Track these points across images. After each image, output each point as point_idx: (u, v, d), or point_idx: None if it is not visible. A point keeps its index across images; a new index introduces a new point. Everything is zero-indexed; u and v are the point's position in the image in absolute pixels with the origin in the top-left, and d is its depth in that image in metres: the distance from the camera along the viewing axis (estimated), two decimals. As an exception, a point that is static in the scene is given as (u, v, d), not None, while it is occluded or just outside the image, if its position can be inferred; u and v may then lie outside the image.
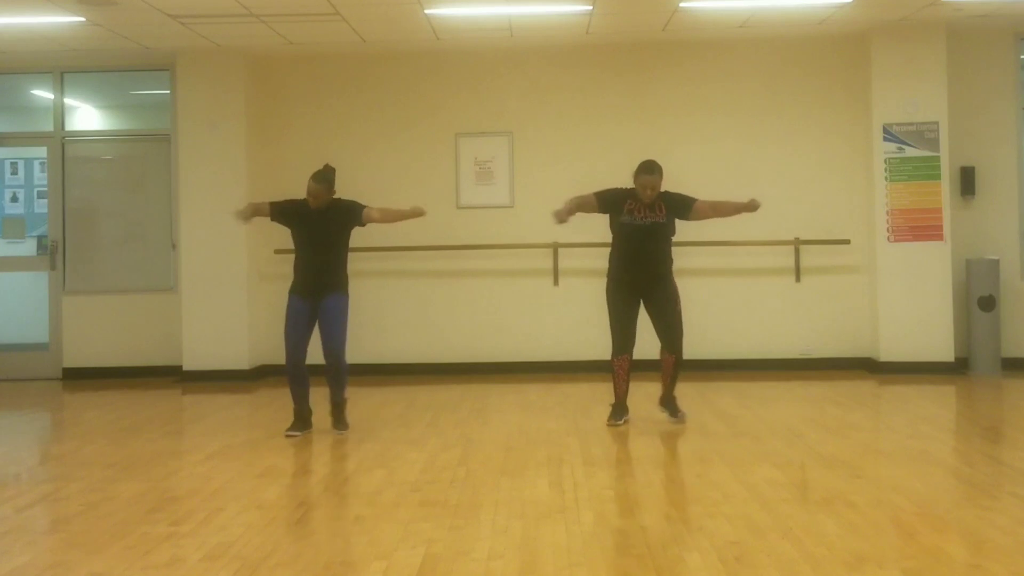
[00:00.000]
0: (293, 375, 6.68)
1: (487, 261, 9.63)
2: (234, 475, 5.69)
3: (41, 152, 10.40)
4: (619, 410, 6.87)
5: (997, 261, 9.15)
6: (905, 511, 4.63)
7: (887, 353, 9.05)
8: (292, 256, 9.55)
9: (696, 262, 9.16)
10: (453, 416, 7.40)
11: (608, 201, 6.77)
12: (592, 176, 9.13)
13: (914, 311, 8.98)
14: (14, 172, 11.16)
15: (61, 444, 7.23)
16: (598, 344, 9.49)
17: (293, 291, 6.75)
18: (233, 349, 9.40)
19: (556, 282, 9.59)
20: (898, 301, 9.03)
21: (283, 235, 9.44)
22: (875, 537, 4.27)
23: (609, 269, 6.86)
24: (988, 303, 9.06)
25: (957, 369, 8.97)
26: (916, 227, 9.03)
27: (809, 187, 9.43)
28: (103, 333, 9.82)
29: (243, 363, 9.39)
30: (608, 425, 6.79)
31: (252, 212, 7.04)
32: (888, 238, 9.06)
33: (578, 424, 6.98)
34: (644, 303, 6.78)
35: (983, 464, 5.74)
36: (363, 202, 6.76)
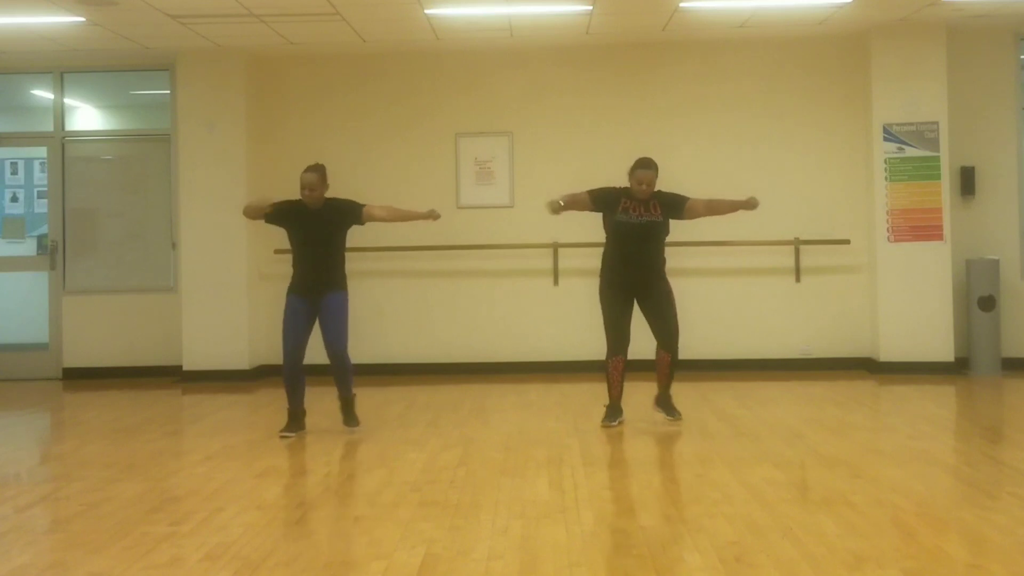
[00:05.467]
0: (290, 375, 6.68)
1: (487, 261, 9.63)
2: (234, 475, 5.69)
3: (41, 152, 10.40)
4: (613, 412, 6.85)
5: (997, 261, 9.15)
6: (905, 511, 4.63)
7: (887, 353, 9.04)
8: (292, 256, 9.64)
9: (695, 262, 9.17)
10: (453, 416, 7.40)
11: (602, 199, 6.75)
12: (592, 176, 9.14)
13: (914, 311, 8.98)
14: (14, 172, 11.16)
15: (61, 444, 7.23)
16: (598, 344, 9.48)
17: (292, 291, 6.73)
18: (233, 349, 9.39)
19: (556, 282, 9.59)
20: (898, 301, 9.02)
21: (283, 236, 9.47)
22: (875, 537, 4.27)
23: (602, 269, 6.84)
24: (988, 303, 9.06)
25: (957, 369, 8.97)
26: (916, 227, 9.03)
27: (809, 187, 9.43)
28: (103, 333, 9.81)
29: (243, 363, 9.38)
30: (602, 427, 6.78)
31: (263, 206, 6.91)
32: (888, 238, 9.05)
33: (578, 424, 6.98)
34: (639, 303, 6.75)
35: (983, 464, 5.74)
36: (362, 201, 6.76)
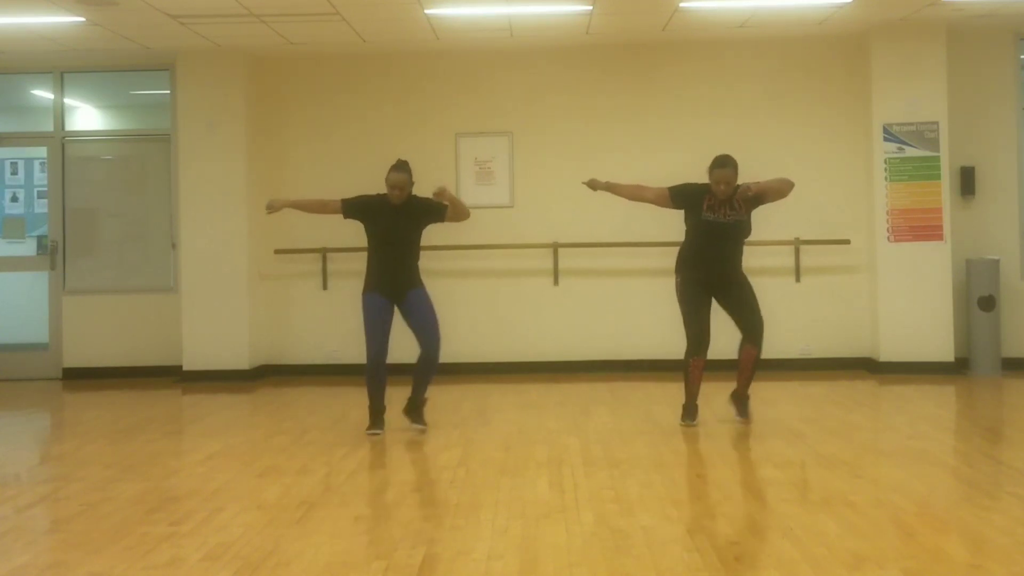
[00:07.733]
0: (375, 374, 6.57)
1: (487, 261, 9.63)
2: (234, 475, 5.69)
3: (41, 152, 10.39)
4: (691, 410, 6.74)
5: (997, 261, 9.15)
6: (905, 511, 4.63)
7: (887, 353, 9.04)
8: (293, 256, 9.66)
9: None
10: (453, 416, 7.40)
11: (684, 198, 6.64)
12: (592, 176, 9.15)
13: (914, 311, 8.98)
14: (14, 172, 11.15)
15: (61, 444, 7.23)
16: (599, 344, 9.55)
17: (371, 289, 6.60)
18: (233, 349, 9.39)
19: (556, 282, 9.59)
20: (898, 301, 9.02)
21: (283, 236, 9.51)
22: (875, 537, 4.27)
23: (681, 266, 6.69)
24: (988, 303, 9.05)
25: (957, 369, 8.96)
26: (916, 227, 9.02)
27: (809, 187, 9.38)
28: (103, 333, 9.81)
29: (243, 363, 9.38)
30: (681, 425, 6.68)
31: (291, 205, 6.92)
32: (888, 238, 9.05)
33: (578, 424, 6.98)
34: (718, 299, 6.64)
35: (983, 464, 5.74)
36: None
